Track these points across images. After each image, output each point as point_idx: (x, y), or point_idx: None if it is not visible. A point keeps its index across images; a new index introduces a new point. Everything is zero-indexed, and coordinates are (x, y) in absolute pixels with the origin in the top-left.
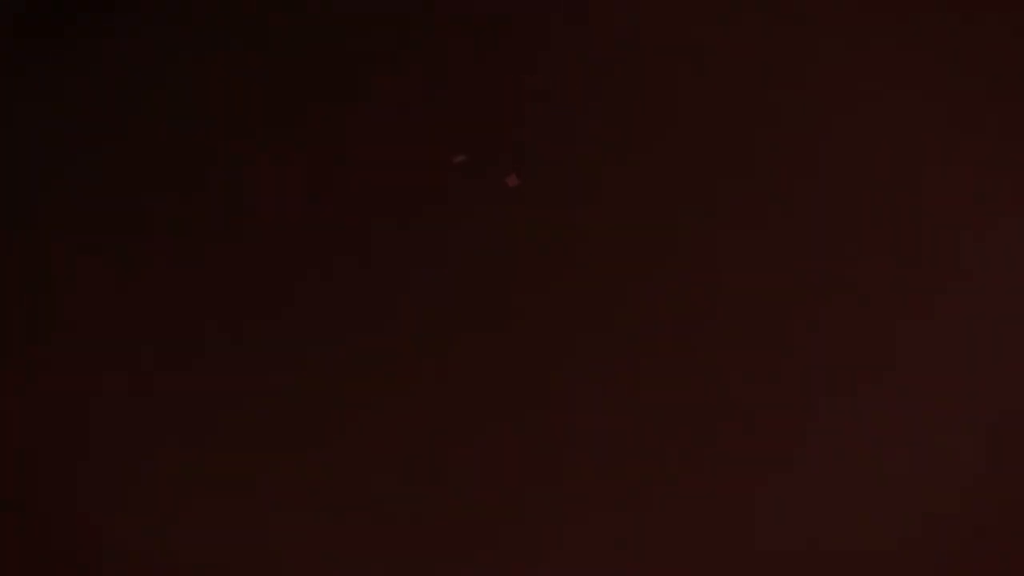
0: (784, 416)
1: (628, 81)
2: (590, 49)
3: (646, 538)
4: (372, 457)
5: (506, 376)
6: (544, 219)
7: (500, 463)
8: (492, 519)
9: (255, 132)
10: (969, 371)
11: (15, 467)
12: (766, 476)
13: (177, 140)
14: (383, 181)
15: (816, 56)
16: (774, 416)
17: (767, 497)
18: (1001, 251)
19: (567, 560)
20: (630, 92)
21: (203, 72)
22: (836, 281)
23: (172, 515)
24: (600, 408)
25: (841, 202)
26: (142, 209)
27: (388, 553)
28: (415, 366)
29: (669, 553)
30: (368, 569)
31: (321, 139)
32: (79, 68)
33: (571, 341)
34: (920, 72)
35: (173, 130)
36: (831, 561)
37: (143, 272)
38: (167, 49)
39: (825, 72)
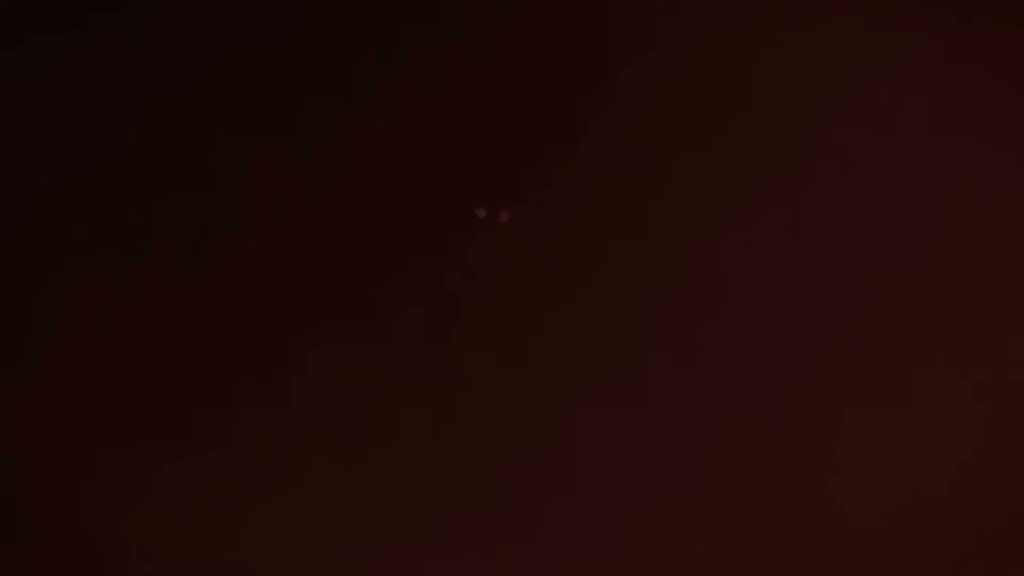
0: (790, 417)
1: (631, 86)
2: (593, 53)
3: (651, 539)
4: (374, 460)
5: (512, 379)
6: (548, 223)
7: (507, 469)
8: (496, 521)
9: (256, 134)
10: (971, 371)
11: (15, 469)
12: (772, 477)
13: (178, 143)
14: (384, 185)
15: (820, 60)
16: (780, 418)
17: (773, 498)
18: (1005, 250)
19: (572, 562)
20: (633, 97)
21: (204, 74)
22: (839, 282)
23: (173, 517)
24: (605, 416)
25: (844, 205)
26: (143, 211)
27: (388, 554)
28: (417, 369)
29: (675, 554)
30: (369, 571)
31: (322, 142)
32: (80, 71)
33: (577, 346)
34: (922, 72)
35: (174, 133)
36: (834, 559)
37: (144, 273)
38: (168, 52)
39: (828, 75)
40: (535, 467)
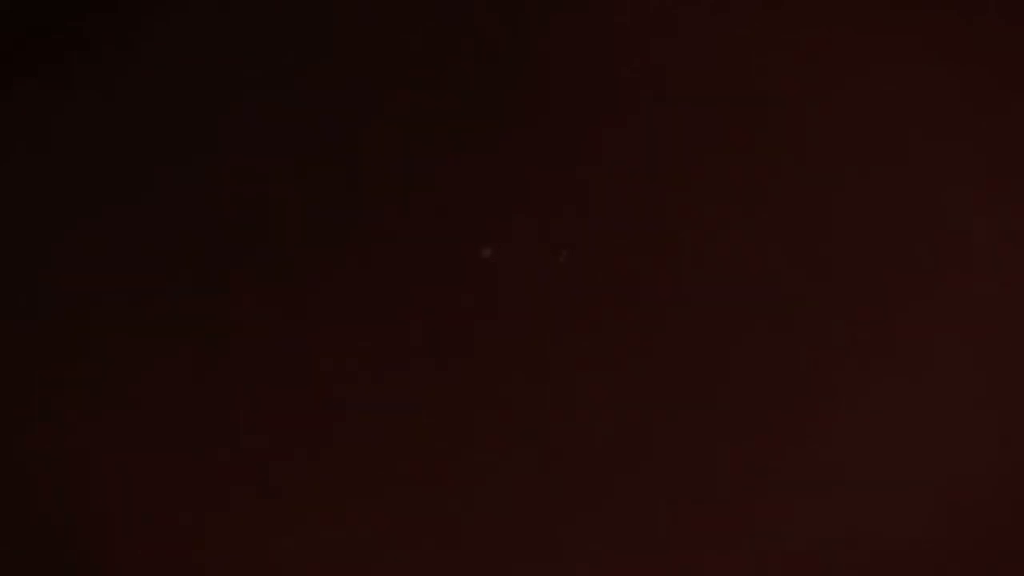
0: (797, 419)
1: (634, 90)
2: (596, 57)
3: (670, 552)
4: (386, 469)
5: (527, 392)
6: (555, 232)
7: (525, 482)
8: (515, 535)
9: (259, 137)
10: (975, 371)
11: (16, 471)
12: (790, 487)
13: (179, 145)
14: (393, 197)
15: (822, 59)
16: (800, 426)
17: (793, 509)
18: (1009, 250)
19: (577, 565)
20: (636, 104)
21: (206, 76)
22: (846, 282)
23: (174, 518)
24: (621, 426)
25: (846, 204)
26: (144, 213)
27: (397, 564)
28: (431, 383)
29: (694, 566)
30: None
31: (327, 152)
32: (80, 71)
33: (592, 358)
34: (931, 74)
35: (175, 135)
36: (837, 559)
37: (146, 276)
38: (170, 53)
39: (830, 74)
40: (552, 480)
